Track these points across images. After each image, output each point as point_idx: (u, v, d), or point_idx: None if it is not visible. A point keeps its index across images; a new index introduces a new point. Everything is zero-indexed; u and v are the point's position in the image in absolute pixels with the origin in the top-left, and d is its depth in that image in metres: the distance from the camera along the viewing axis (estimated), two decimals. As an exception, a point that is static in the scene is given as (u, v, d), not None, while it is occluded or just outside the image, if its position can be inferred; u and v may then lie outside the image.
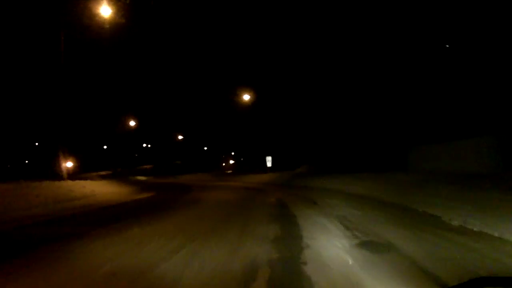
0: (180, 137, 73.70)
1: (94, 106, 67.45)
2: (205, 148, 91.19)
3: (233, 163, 71.46)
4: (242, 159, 76.67)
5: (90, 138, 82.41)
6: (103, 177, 57.89)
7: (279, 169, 42.66)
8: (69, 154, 71.72)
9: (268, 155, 40.14)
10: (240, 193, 21.69)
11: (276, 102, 42.26)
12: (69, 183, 18.59)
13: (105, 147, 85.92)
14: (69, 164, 69.63)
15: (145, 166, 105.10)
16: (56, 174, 29.29)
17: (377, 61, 30.08)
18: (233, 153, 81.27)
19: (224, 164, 72.31)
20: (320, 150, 36.19)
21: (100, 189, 19.05)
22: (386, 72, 29.46)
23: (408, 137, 27.71)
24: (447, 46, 24.58)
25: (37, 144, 72.85)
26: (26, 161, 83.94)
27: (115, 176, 70.85)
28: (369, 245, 7.15)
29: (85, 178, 35.49)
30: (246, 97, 37.87)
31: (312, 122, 36.86)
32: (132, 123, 62.65)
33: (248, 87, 41.67)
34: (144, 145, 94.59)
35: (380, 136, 29.64)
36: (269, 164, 39.97)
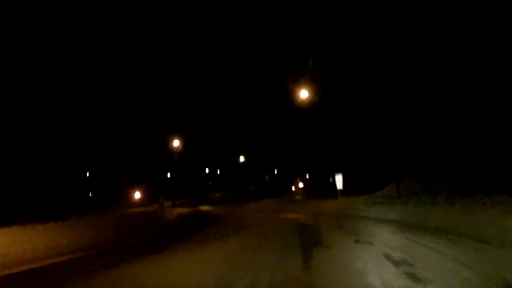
0: (241, 159, 62.44)
1: (157, 134, 59.41)
2: (275, 171, 79.68)
3: (303, 187, 58.69)
4: (317, 181, 64.22)
5: (157, 168, 74.38)
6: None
7: (355, 191, 29.78)
8: (138, 185, 62.61)
9: (338, 172, 27.34)
10: (265, 244, 9.73)
11: (349, 97, 29.59)
12: None
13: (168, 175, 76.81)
14: (137, 195, 60.66)
15: (217, 194, 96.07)
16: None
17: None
18: (307, 176, 68.93)
19: (294, 188, 59.99)
20: (415, 158, 22.86)
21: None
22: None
23: None
24: None
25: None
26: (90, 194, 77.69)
27: (173, 206, 61.32)
28: None
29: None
30: (304, 93, 25.60)
31: (403, 118, 23.72)
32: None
33: (311, 83, 29.59)
34: (207, 170, 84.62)
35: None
36: (339, 185, 27.15)
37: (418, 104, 23.47)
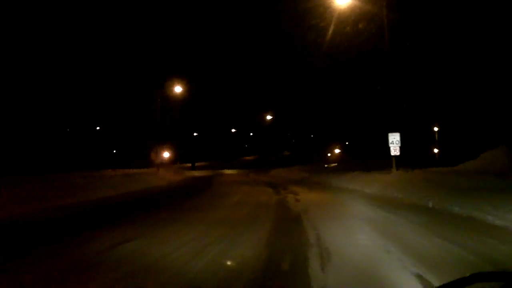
0: (269, 117, 51.39)
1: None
2: (312, 136, 68.73)
3: (339, 153, 47.54)
4: (357, 150, 52.95)
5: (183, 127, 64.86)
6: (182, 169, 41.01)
7: (418, 160, 18.95)
8: (169, 144, 54.73)
9: (394, 131, 16.05)
10: None
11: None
12: None
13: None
14: (166, 154, 54.20)
15: (247, 158, 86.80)
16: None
17: None
18: (347, 143, 57.49)
19: (329, 154, 49.07)
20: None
21: None
22: None
23: None
24: None
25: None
26: (114, 151, 69.87)
27: (193, 168, 52.46)
28: None
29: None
30: None
31: None
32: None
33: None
34: (233, 130, 74.38)
35: None
36: (394, 150, 15.86)
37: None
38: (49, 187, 14.24)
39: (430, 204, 9.54)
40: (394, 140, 15.71)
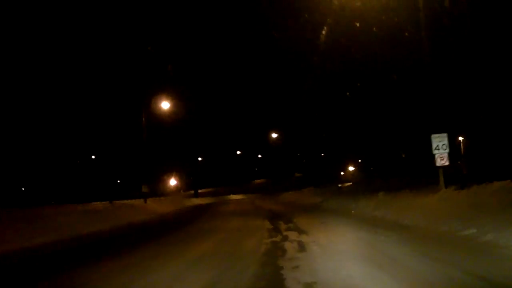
0: (277, 138, 46.35)
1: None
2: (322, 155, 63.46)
3: (353, 170, 42.10)
4: (371, 168, 47.52)
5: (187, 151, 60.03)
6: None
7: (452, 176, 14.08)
8: (175, 172, 53.12)
9: (439, 132, 10.96)
10: None
11: None
12: None
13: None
14: (173, 181, 52.59)
15: (257, 181, 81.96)
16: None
17: None
18: (359, 160, 52.15)
19: (343, 173, 43.73)
20: None
21: None
22: None
23: None
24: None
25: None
26: (118, 181, 65.47)
27: (195, 196, 47.64)
28: None
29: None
30: None
31: None
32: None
33: None
34: (238, 152, 69.48)
35: None
36: (441, 159, 10.74)
37: None
38: None
39: None
40: (440, 145, 10.59)
